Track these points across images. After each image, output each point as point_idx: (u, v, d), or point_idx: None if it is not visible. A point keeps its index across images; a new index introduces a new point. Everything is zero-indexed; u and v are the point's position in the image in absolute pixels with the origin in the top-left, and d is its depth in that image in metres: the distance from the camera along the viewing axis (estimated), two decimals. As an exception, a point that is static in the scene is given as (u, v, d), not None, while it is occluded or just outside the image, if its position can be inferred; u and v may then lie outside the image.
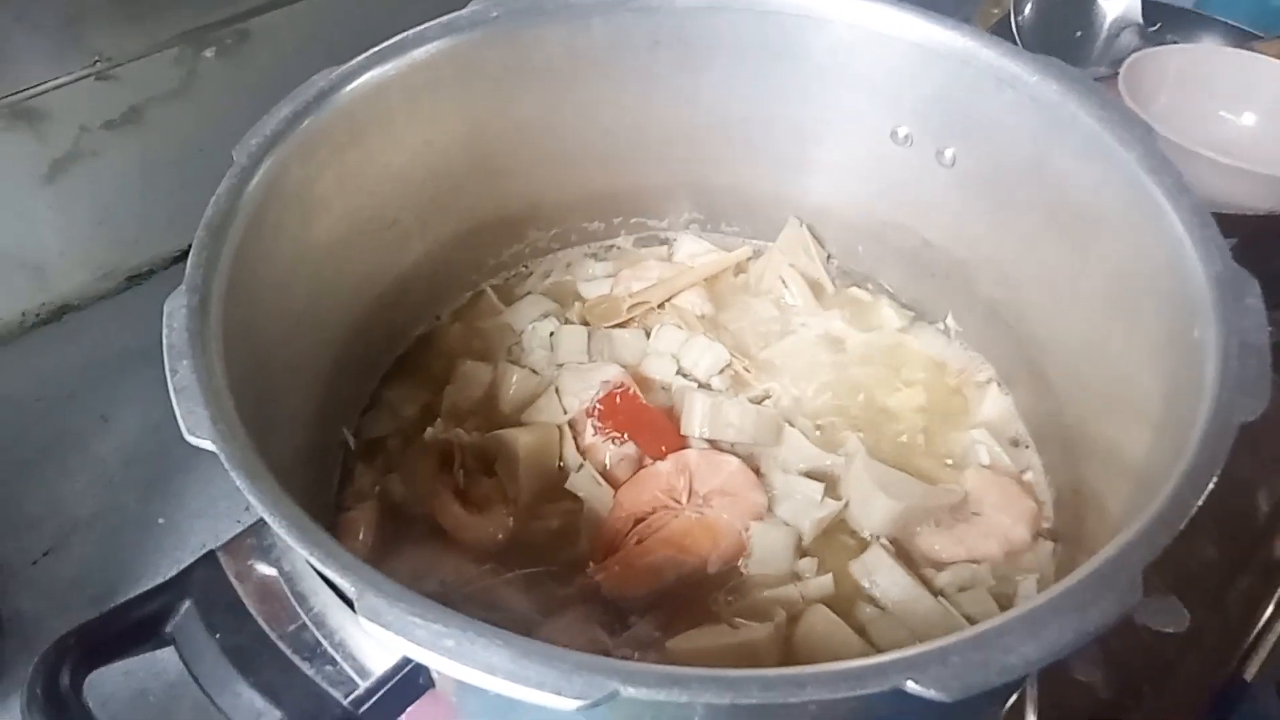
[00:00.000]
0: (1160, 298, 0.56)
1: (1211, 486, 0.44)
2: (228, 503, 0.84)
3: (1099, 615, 0.40)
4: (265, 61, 1.00)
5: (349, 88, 0.63)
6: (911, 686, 0.38)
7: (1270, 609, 0.80)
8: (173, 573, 0.49)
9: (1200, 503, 0.44)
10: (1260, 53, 1.03)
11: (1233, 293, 0.51)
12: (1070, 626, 0.40)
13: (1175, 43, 1.10)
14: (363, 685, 0.45)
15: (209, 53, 0.96)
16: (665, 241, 0.89)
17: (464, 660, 0.37)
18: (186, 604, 0.45)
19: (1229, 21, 1.14)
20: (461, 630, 0.38)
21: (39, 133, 0.90)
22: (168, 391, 0.47)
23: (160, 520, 0.84)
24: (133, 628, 0.45)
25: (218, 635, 0.44)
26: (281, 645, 0.44)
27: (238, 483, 0.41)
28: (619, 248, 0.88)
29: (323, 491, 0.68)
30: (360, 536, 0.65)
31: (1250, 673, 0.78)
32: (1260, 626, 0.79)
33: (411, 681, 0.47)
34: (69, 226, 0.96)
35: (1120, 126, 0.60)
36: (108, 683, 0.75)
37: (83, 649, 0.44)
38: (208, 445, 0.43)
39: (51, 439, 0.90)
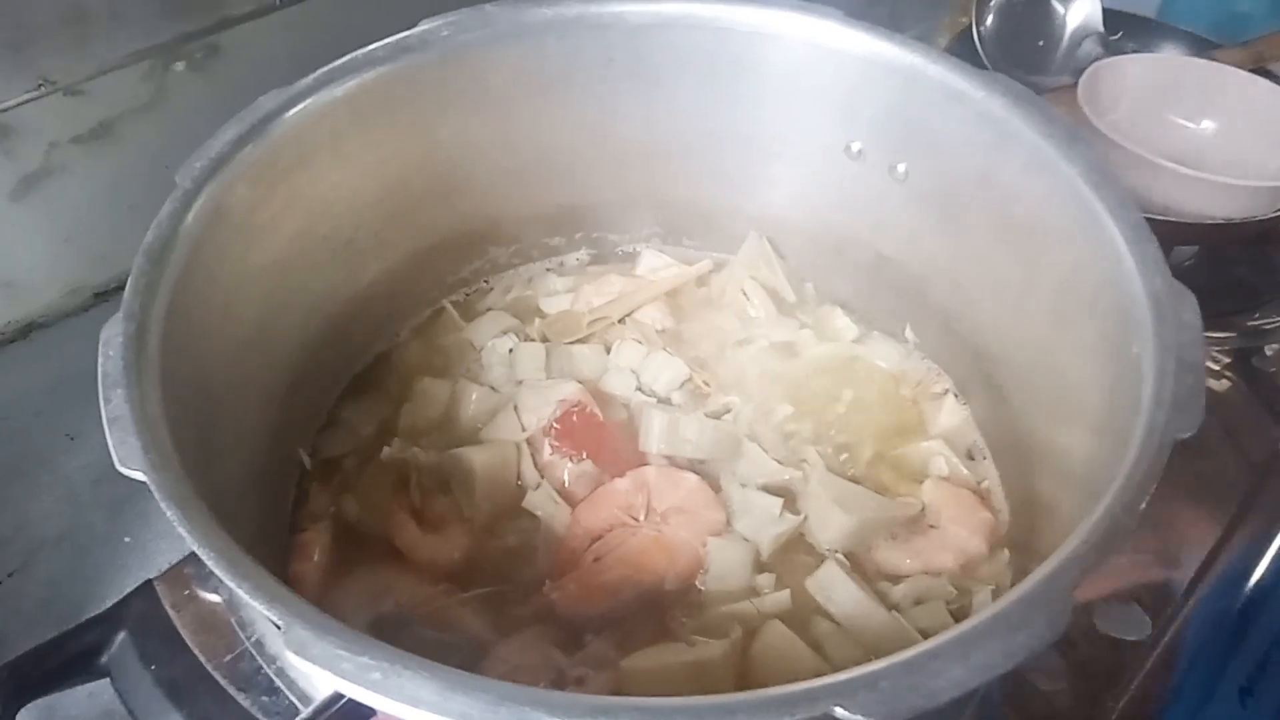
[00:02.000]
0: (1102, 312, 0.57)
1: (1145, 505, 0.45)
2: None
3: (1027, 639, 0.40)
4: (236, 76, 0.99)
5: (296, 109, 0.62)
6: (840, 713, 0.38)
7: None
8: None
9: (1134, 525, 0.44)
10: (1220, 61, 1.04)
11: (1171, 309, 0.52)
12: (998, 650, 0.40)
13: (1136, 51, 1.10)
14: (301, 714, 0.45)
15: (179, 67, 0.96)
16: (627, 256, 0.88)
17: (389, 694, 0.37)
18: (121, 635, 0.45)
19: (1190, 30, 1.15)
20: (389, 663, 0.38)
21: (7, 148, 0.89)
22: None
23: (127, 539, 0.84)
24: (67, 661, 0.45)
25: (153, 667, 0.44)
26: (217, 675, 0.44)
27: (167, 513, 0.41)
28: (580, 263, 0.88)
29: (277, 512, 0.68)
30: (314, 558, 0.64)
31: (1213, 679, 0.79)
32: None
33: (357, 706, 0.47)
34: (37, 243, 0.96)
35: (1064, 141, 0.60)
36: (74, 705, 0.74)
37: (15, 683, 0.43)
38: (139, 476, 0.42)
39: (18, 458, 0.89)
